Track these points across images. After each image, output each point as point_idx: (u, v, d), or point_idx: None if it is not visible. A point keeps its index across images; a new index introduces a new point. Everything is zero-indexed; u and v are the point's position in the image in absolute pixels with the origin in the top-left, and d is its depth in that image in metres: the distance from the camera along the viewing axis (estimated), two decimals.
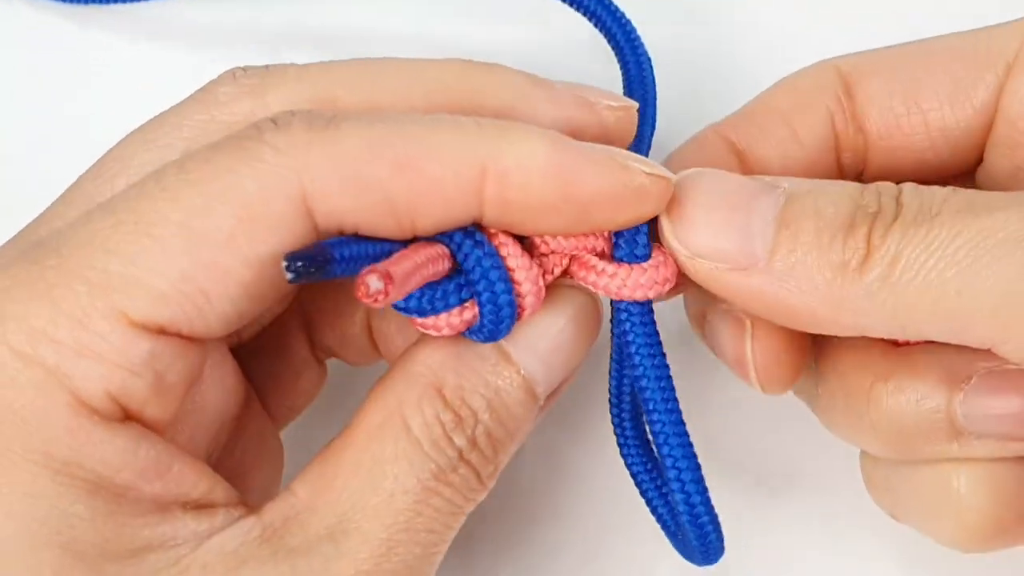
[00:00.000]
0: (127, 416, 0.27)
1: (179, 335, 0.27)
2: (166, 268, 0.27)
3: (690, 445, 0.30)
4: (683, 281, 0.31)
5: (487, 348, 0.30)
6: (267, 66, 0.31)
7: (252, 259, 0.27)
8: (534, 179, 0.28)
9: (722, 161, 0.34)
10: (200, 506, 0.28)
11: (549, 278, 0.31)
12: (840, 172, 0.36)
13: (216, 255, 0.27)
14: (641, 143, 0.35)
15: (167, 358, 0.27)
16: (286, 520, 0.28)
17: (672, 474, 0.30)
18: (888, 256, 0.28)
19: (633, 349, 0.31)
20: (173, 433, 0.29)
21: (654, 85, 0.37)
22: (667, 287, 0.31)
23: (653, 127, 0.36)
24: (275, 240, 0.27)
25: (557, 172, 0.28)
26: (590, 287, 0.31)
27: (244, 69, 0.31)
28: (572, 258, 0.31)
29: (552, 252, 0.31)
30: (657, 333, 0.31)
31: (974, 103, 0.34)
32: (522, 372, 0.30)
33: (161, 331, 0.27)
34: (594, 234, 0.30)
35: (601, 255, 0.31)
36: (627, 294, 0.31)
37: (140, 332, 0.27)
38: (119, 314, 0.27)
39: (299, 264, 0.26)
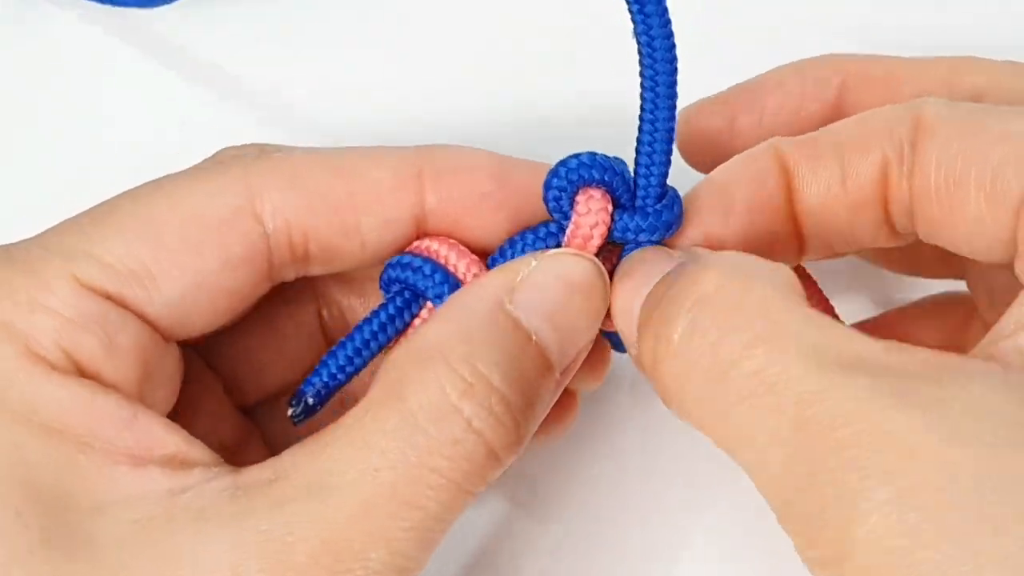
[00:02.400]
0: (82, 373, 0.29)
1: (127, 307, 0.30)
2: (118, 248, 0.30)
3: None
4: None
5: (497, 316, 0.29)
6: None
7: (197, 247, 0.30)
8: (469, 174, 0.32)
9: (764, 193, 0.32)
10: (176, 463, 0.28)
11: None
12: (888, 228, 0.32)
13: (164, 240, 0.30)
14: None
15: (116, 321, 0.29)
16: (262, 482, 0.28)
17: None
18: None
19: None
20: (142, 399, 0.30)
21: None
22: None
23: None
24: (219, 232, 0.30)
25: (490, 165, 0.32)
26: None
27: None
28: None
29: None
30: None
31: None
32: (534, 338, 0.29)
33: (108, 297, 0.29)
34: None
35: None
36: None
37: (88, 293, 0.29)
38: (70, 276, 0.29)
39: (306, 401, 0.31)
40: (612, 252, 0.33)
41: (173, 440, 0.29)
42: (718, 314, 0.27)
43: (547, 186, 0.32)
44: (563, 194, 0.31)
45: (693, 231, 0.32)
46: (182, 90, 0.45)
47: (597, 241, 0.32)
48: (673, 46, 0.29)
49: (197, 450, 0.29)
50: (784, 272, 0.28)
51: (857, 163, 0.31)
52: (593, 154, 0.32)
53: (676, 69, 0.30)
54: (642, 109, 0.31)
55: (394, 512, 0.27)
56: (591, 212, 0.31)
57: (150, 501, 0.27)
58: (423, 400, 0.28)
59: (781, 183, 0.32)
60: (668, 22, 0.29)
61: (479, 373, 0.28)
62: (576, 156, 0.31)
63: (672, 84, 0.30)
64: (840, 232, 0.32)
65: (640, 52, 0.30)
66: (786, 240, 0.33)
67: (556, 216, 0.32)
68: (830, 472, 0.24)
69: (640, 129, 0.31)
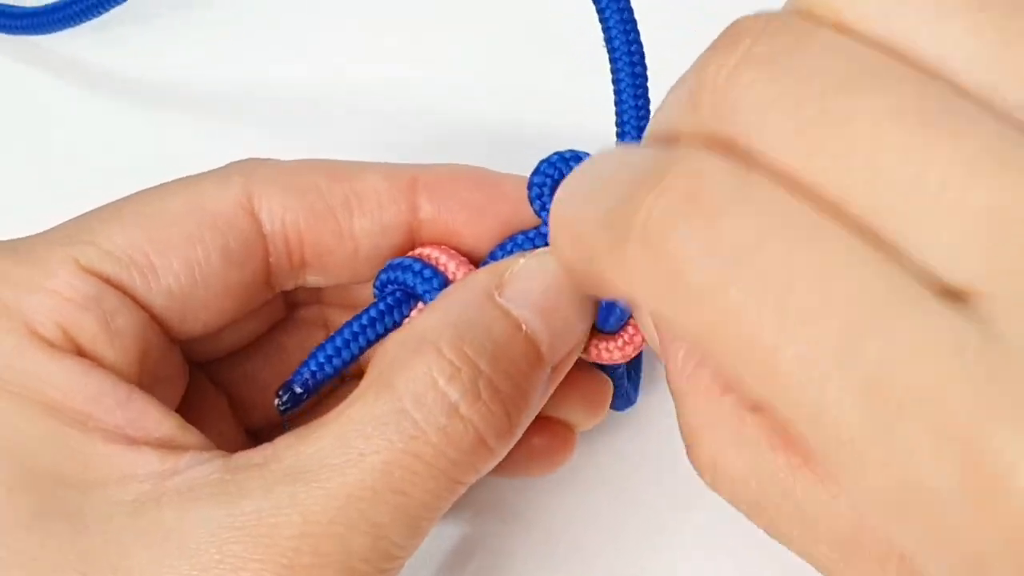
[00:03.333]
0: (81, 353, 0.29)
1: (126, 292, 0.30)
2: (119, 237, 0.30)
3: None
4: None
5: (485, 305, 0.29)
6: None
7: (195, 239, 0.31)
8: (462, 183, 0.33)
9: None
10: (170, 446, 0.29)
11: None
12: None
13: (164, 233, 0.31)
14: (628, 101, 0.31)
15: (114, 303, 0.30)
16: (251, 466, 0.28)
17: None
18: None
19: None
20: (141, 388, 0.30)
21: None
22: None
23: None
24: (217, 226, 0.31)
25: (481, 177, 0.33)
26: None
27: None
28: None
29: None
30: None
31: None
32: (524, 328, 0.29)
33: (108, 281, 0.30)
34: None
35: None
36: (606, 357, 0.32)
37: (87, 274, 0.30)
38: (71, 260, 0.30)
39: (293, 390, 0.32)
40: None
41: (167, 424, 0.29)
42: None
43: (530, 185, 0.32)
44: (544, 190, 0.31)
45: None
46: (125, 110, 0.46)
47: None
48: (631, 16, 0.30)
49: (191, 435, 0.29)
50: None
51: None
52: (574, 151, 0.32)
53: (639, 40, 0.30)
54: (615, 92, 0.30)
55: (377, 497, 0.27)
56: None
57: (141, 480, 0.28)
58: (410, 386, 0.28)
59: None
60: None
61: (466, 358, 0.28)
62: (558, 152, 0.32)
63: (636, 54, 0.30)
64: None
65: (602, 28, 0.30)
66: None
67: (542, 215, 0.32)
68: None
69: (616, 111, 0.31)
